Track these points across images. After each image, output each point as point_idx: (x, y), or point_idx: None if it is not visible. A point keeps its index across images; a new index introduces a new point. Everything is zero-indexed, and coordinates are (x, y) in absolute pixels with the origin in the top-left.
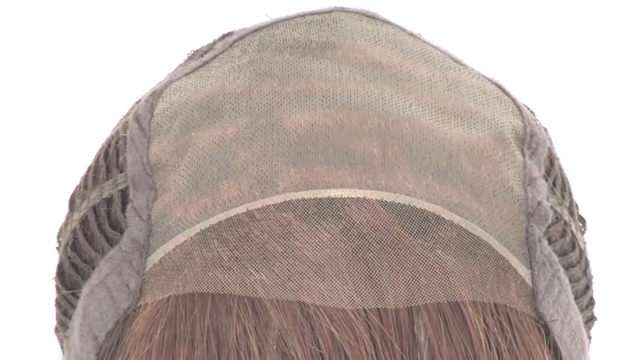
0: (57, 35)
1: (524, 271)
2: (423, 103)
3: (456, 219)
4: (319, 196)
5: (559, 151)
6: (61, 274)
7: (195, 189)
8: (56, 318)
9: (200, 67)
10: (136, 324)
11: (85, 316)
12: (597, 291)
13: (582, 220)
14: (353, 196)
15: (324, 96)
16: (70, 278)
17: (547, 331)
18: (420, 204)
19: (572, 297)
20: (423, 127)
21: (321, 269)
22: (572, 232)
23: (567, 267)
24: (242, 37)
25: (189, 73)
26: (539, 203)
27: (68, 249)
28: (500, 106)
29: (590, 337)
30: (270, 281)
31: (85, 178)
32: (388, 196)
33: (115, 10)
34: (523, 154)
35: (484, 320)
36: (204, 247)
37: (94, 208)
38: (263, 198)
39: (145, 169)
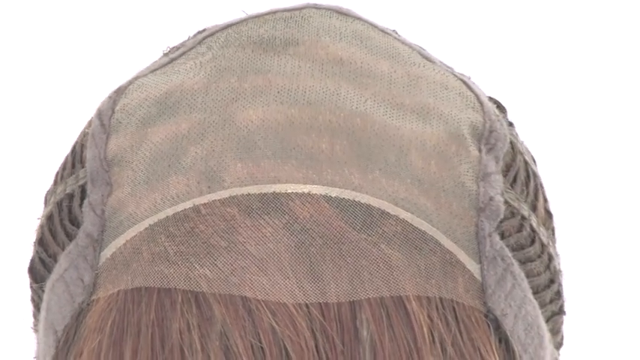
0: (57, 36)
1: (473, 266)
2: (379, 98)
3: (402, 214)
4: (264, 191)
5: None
6: (31, 269)
7: (147, 184)
8: (32, 314)
9: (167, 63)
10: (89, 317)
11: (48, 311)
12: (597, 290)
13: (549, 214)
14: (297, 191)
15: (278, 92)
16: (39, 273)
17: (498, 326)
18: (364, 199)
19: (529, 291)
20: (375, 122)
21: (263, 264)
22: (531, 226)
23: (524, 261)
24: (212, 34)
25: (155, 70)
26: (491, 198)
27: (36, 244)
28: (460, 102)
29: (558, 332)
30: (213, 275)
31: (56, 174)
32: (333, 191)
33: (116, 10)
34: (479, 150)
35: (428, 315)
36: (151, 241)
37: (58, 204)
38: (209, 193)
39: (102, 164)
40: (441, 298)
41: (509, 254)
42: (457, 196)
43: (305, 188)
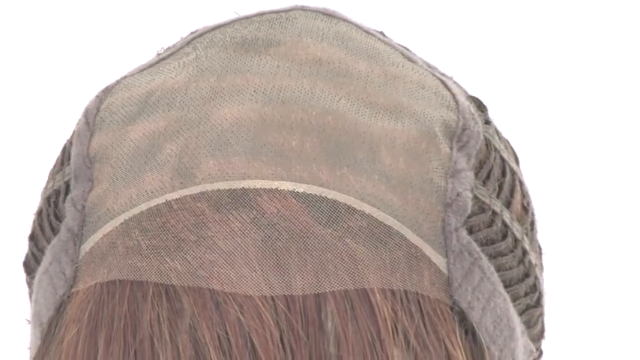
0: (58, 37)
1: (439, 260)
2: (353, 97)
3: (367, 209)
4: (234, 187)
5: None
6: (25, 263)
7: (124, 180)
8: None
9: (155, 63)
10: (70, 308)
11: (35, 302)
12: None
13: (526, 210)
14: (266, 187)
15: (255, 91)
16: (31, 267)
17: (464, 318)
18: (331, 194)
19: (499, 285)
20: (347, 120)
21: (230, 257)
22: (503, 222)
23: (495, 256)
24: (200, 35)
25: (143, 69)
26: (459, 194)
27: (29, 239)
28: (435, 100)
29: (535, 324)
30: (182, 269)
31: (49, 171)
32: (300, 187)
33: (117, 11)
34: (451, 147)
35: (392, 307)
36: (126, 236)
37: (47, 199)
38: (182, 189)
39: (85, 161)
40: (405, 291)
41: (478, 249)
42: (424, 192)
43: (273, 184)
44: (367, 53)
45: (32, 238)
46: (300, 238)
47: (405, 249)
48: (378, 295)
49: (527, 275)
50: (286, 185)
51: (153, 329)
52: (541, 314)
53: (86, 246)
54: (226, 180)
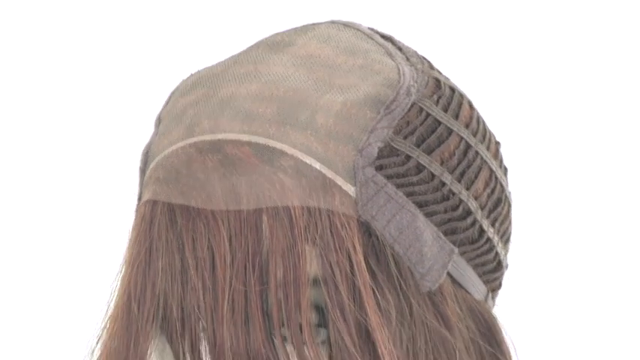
0: (59, 39)
1: (348, 188)
2: (319, 80)
3: (297, 153)
4: (213, 138)
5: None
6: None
7: (164, 133)
8: None
9: (227, 59)
10: (136, 214)
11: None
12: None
13: (453, 155)
14: (232, 138)
15: (254, 75)
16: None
17: (369, 227)
18: (272, 143)
19: (408, 204)
20: (303, 94)
21: (203, 184)
22: (418, 162)
23: (406, 185)
24: (266, 37)
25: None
26: (370, 144)
27: None
28: (381, 83)
29: (455, 231)
30: (177, 192)
31: None
32: (253, 138)
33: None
34: (378, 113)
35: (307, 219)
36: (155, 170)
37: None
38: (185, 140)
39: (156, 121)
40: (319, 209)
41: (384, 180)
42: (343, 142)
43: (236, 136)
44: (351, 50)
45: None
46: (249, 173)
47: (321, 180)
48: (297, 211)
49: (445, 198)
50: (245, 137)
51: (160, 232)
52: (467, 225)
53: (145, 176)
54: (211, 134)
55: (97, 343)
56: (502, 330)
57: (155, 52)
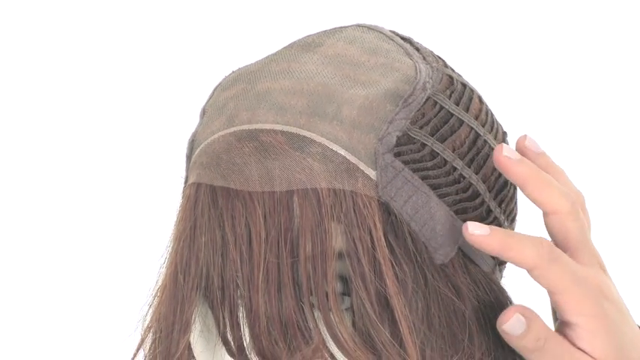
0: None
1: (370, 172)
2: (344, 76)
3: (324, 141)
4: (251, 128)
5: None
6: None
7: (207, 123)
8: None
9: (264, 58)
10: (183, 194)
11: None
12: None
13: (461, 144)
14: (266, 127)
15: (287, 72)
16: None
17: (389, 207)
18: (303, 132)
19: (424, 187)
20: (331, 89)
21: (241, 168)
22: (432, 149)
23: (422, 169)
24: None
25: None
26: (389, 133)
27: None
28: (400, 79)
29: (465, 211)
30: (218, 175)
31: None
32: (286, 128)
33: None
34: (397, 105)
35: (333, 199)
36: (199, 156)
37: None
38: (226, 129)
39: (201, 112)
40: (344, 191)
41: (402, 165)
42: (365, 132)
43: (271, 126)
44: (374, 50)
45: None
46: (281, 158)
47: (345, 165)
48: (324, 192)
49: (457, 182)
50: (278, 127)
51: (203, 210)
52: (477, 205)
53: (191, 162)
54: (248, 124)
55: (149, 309)
56: (509, 300)
57: (161, 53)
